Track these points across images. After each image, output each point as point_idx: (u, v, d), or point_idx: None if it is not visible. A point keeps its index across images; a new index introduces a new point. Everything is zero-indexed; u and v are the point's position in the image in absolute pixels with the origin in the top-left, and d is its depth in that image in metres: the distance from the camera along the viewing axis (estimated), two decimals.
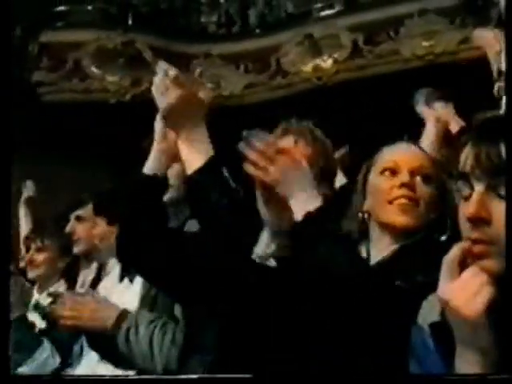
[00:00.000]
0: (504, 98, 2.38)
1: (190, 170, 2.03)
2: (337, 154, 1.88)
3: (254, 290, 1.72)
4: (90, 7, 8.28)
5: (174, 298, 2.29)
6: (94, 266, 3.88)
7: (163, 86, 2.07)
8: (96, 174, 7.61)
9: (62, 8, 7.98)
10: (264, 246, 1.84)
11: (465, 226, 1.20)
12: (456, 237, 1.87)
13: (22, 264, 4.02)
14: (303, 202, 1.69)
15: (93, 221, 3.70)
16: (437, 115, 3.10)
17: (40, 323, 3.31)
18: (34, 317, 3.37)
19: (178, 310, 2.50)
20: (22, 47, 7.28)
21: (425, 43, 7.64)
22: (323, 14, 8.40)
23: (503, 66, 2.47)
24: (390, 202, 1.88)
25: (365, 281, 1.64)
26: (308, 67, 8.08)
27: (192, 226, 2.36)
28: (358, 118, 7.49)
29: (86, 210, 3.83)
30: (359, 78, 7.79)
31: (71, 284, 3.98)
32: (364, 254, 1.84)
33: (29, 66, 7.47)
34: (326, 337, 1.57)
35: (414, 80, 7.38)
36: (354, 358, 1.50)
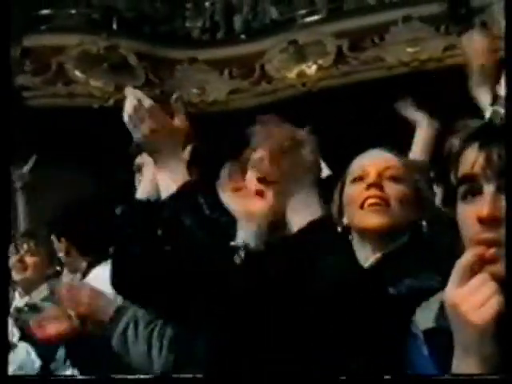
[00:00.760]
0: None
1: (164, 196, 2.05)
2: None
3: (244, 297, 1.71)
4: (73, 11, 8.25)
5: (171, 320, 2.28)
6: (84, 264, 3.86)
7: (137, 117, 2.07)
8: (80, 179, 7.57)
9: (45, 12, 7.95)
10: (239, 238, 1.83)
11: (473, 228, 1.18)
12: (433, 239, 1.87)
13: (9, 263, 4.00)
14: (304, 204, 1.68)
15: None
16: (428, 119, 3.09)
17: (14, 332, 3.27)
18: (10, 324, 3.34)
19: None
20: None
21: (410, 50, 7.67)
22: (308, 20, 8.42)
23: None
24: (362, 207, 1.88)
25: (353, 289, 1.63)
26: (292, 73, 8.09)
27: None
28: (342, 124, 7.49)
29: None
30: (344, 85, 7.80)
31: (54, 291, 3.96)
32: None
33: (12, 70, 7.43)
34: (317, 344, 1.56)
35: (398, 86, 7.41)
36: (346, 365, 1.49)
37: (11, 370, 3.08)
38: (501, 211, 1.16)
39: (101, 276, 3.47)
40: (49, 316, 2.71)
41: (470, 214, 1.20)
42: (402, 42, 7.69)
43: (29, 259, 4.00)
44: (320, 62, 7.98)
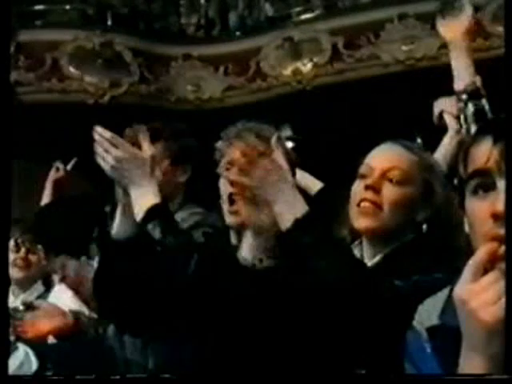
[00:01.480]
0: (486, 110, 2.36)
1: (138, 219, 2.07)
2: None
3: (247, 297, 1.71)
4: (68, 7, 8.21)
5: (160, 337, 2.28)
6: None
7: (102, 150, 2.11)
8: (73, 175, 7.54)
9: (40, 7, 7.92)
10: (250, 250, 1.82)
11: (487, 225, 1.16)
12: (436, 238, 1.86)
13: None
14: (288, 208, 1.67)
15: None
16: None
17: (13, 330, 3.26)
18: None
19: None
20: None
21: (405, 48, 7.67)
22: (303, 17, 8.41)
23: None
24: (358, 205, 1.88)
25: (357, 286, 1.62)
26: (288, 71, 8.07)
27: None
28: (337, 121, 7.49)
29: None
30: (339, 82, 7.79)
31: (48, 287, 3.95)
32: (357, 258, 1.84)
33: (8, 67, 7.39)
34: (318, 342, 1.55)
35: (393, 84, 7.42)
36: (348, 365, 1.49)
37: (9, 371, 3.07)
38: None
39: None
40: (43, 313, 2.70)
41: (482, 209, 1.18)
42: (398, 39, 7.69)
43: (32, 257, 4.00)
44: (315, 59, 7.97)
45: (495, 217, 1.14)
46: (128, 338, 2.48)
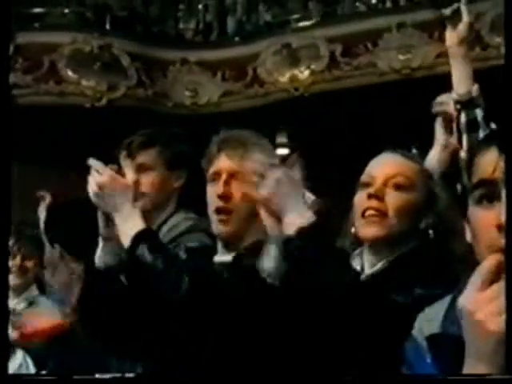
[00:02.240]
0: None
1: (126, 245, 2.08)
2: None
3: (258, 307, 1.71)
4: (66, 10, 8.22)
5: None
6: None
7: (88, 177, 2.13)
8: (69, 178, 7.54)
9: (38, 10, 7.92)
10: (274, 262, 1.80)
11: (492, 235, 1.16)
12: (441, 244, 1.86)
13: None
14: (296, 217, 1.67)
15: None
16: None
17: (11, 332, 3.25)
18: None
19: None
20: None
21: (401, 57, 7.68)
22: (301, 24, 8.43)
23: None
24: (362, 215, 1.88)
25: (356, 295, 1.62)
26: (285, 77, 8.08)
27: None
28: (333, 128, 7.50)
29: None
30: (336, 90, 7.80)
31: (42, 290, 3.95)
32: (358, 268, 1.83)
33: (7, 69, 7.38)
34: (318, 350, 1.55)
35: (390, 93, 7.43)
36: (346, 374, 1.49)
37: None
38: None
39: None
40: (42, 311, 2.69)
41: (487, 220, 1.17)
42: (395, 48, 7.70)
43: (28, 263, 3.99)
44: (313, 66, 7.98)
45: (501, 228, 1.14)
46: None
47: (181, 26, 8.94)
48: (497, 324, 1.06)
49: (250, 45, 8.37)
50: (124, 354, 2.18)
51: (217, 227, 2.08)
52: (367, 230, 1.88)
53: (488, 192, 1.19)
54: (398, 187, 1.89)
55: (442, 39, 7.92)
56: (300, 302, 1.63)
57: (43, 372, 3.07)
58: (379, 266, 1.86)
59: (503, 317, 1.06)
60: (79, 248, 3.44)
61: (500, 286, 1.09)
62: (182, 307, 1.91)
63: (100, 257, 2.18)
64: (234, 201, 2.02)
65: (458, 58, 2.40)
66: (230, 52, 8.42)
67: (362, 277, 1.85)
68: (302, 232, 1.65)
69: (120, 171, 2.19)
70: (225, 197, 2.04)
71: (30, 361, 3.10)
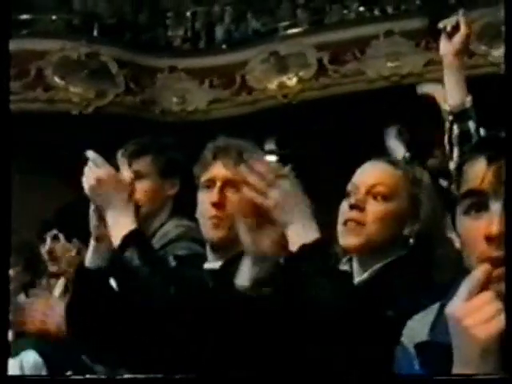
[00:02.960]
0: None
1: (115, 245, 2.06)
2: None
3: (241, 322, 1.69)
4: (54, 17, 8.21)
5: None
6: (62, 280, 3.82)
7: (86, 170, 2.11)
8: (57, 186, 7.52)
9: (26, 16, 7.90)
10: (248, 275, 1.79)
11: (481, 246, 1.17)
12: (424, 251, 1.87)
13: None
14: (300, 232, 1.65)
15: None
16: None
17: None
18: None
19: None
20: None
21: (390, 64, 7.72)
22: (289, 32, 8.45)
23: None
24: (344, 224, 1.89)
25: (347, 304, 1.62)
26: (273, 84, 8.10)
27: None
28: (322, 136, 7.51)
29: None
30: (324, 97, 7.82)
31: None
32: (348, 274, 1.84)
33: None
34: (308, 362, 1.54)
35: (378, 100, 7.46)
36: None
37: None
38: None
39: None
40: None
41: (476, 230, 1.18)
42: (383, 56, 7.74)
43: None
44: (301, 73, 8.00)
45: (489, 239, 1.14)
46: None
47: (169, 33, 8.95)
48: (484, 331, 1.07)
49: (238, 52, 8.38)
50: (108, 359, 2.16)
51: (208, 232, 2.07)
52: (347, 239, 1.89)
53: (476, 202, 1.19)
54: (379, 196, 1.90)
55: (429, 48, 8.03)
56: (287, 314, 1.63)
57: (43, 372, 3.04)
58: (366, 275, 1.86)
59: (491, 324, 1.07)
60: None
61: (488, 295, 1.10)
62: (168, 314, 1.90)
63: (91, 258, 2.17)
64: (227, 209, 2.01)
65: (452, 69, 2.39)
66: (219, 60, 8.43)
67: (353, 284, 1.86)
68: (305, 250, 1.63)
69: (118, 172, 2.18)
70: (219, 205, 2.03)
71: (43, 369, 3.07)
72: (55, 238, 3.73)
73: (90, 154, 2.14)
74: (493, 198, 1.17)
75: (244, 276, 1.76)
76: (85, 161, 2.16)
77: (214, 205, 2.02)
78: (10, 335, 2.98)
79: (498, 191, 1.16)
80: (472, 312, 1.08)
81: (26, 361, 3.13)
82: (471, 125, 2.27)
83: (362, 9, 8.44)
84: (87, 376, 1.58)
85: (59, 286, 3.66)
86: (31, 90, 7.60)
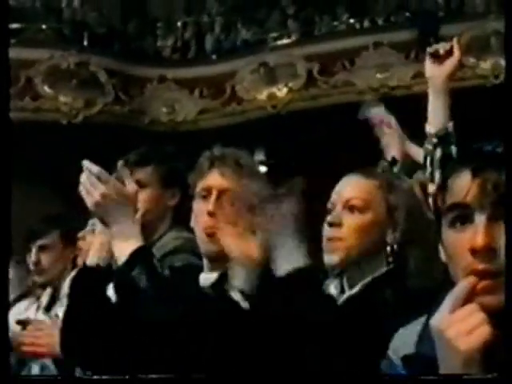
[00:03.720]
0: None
1: (119, 262, 2.03)
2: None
3: (229, 334, 1.69)
4: (43, 26, 8.20)
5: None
6: (49, 290, 3.78)
7: (88, 184, 2.06)
8: (44, 196, 7.50)
9: (15, 25, 7.89)
10: (241, 285, 1.79)
11: (466, 258, 1.17)
12: (403, 264, 1.87)
13: None
14: (288, 257, 1.66)
15: (58, 249, 3.61)
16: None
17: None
18: None
19: None
20: None
21: (379, 76, 7.75)
22: (279, 42, 8.48)
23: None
24: (326, 243, 1.90)
25: (334, 319, 1.62)
26: (263, 95, 8.12)
27: None
28: (311, 147, 7.52)
29: (50, 239, 3.71)
30: (313, 108, 7.84)
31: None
32: (338, 290, 1.84)
33: None
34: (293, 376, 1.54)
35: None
36: None
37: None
38: (494, 241, 1.15)
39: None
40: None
41: (460, 242, 1.18)
42: (372, 67, 7.77)
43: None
44: (290, 84, 8.02)
45: (474, 251, 1.15)
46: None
47: (159, 43, 8.96)
48: (466, 343, 1.08)
49: (227, 63, 8.40)
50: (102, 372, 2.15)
51: (204, 243, 2.06)
52: (329, 258, 1.89)
53: (461, 215, 1.19)
54: (354, 210, 1.90)
55: (418, 59, 8.06)
56: (277, 328, 1.62)
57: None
58: (355, 290, 1.86)
59: (472, 336, 1.08)
60: None
61: (471, 307, 1.10)
62: (168, 327, 1.89)
63: (94, 256, 2.14)
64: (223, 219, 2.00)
65: (440, 92, 2.39)
66: (208, 70, 8.44)
67: (343, 298, 1.85)
68: (291, 277, 1.64)
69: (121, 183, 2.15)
70: (215, 214, 2.01)
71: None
72: (41, 249, 3.69)
73: (94, 168, 2.09)
74: (477, 210, 1.17)
75: (239, 280, 1.76)
76: (78, 169, 2.13)
77: (210, 214, 2.01)
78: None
79: (483, 204, 1.17)
80: (455, 324, 1.09)
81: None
82: (453, 149, 2.28)
83: (351, 20, 8.48)
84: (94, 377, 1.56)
85: (45, 296, 3.63)
86: (19, 100, 7.57)
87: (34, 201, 6.82)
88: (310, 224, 1.76)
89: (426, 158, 2.34)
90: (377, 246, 1.89)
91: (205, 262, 2.09)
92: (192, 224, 2.14)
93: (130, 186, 2.12)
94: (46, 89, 7.79)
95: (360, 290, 1.85)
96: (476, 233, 1.16)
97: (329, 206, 1.95)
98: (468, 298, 1.11)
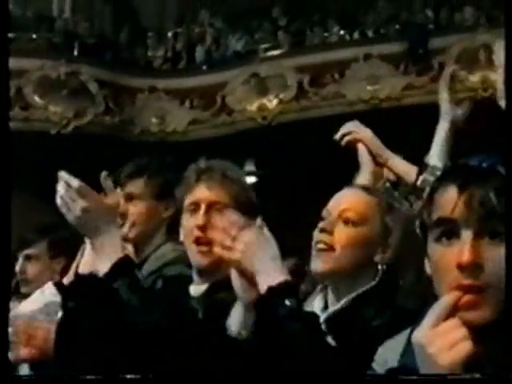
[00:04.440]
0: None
1: (101, 274, 2.03)
2: None
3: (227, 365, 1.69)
4: (34, 35, 8.20)
5: None
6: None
7: (68, 199, 2.05)
8: (34, 205, 7.48)
9: None
10: (238, 322, 1.80)
11: (452, 274, 1.17)
12: (392, 280, 1.87)
13: None
14: (268, 277, 1.67)
15: (44, 259, 3.60)
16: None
17: None
18: None
19: None
20: None
21: (369, 87, 7.77)
22: (270, 54, 8.50)
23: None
24: (315, 247, 1.89)
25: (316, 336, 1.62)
26: (253, 106, 8.12)
27: None
28: (301, 158, 7.53)
29: (37, 249, 3.70)
30: (303, 119, 7.85)
31: None
32: (321, 305, 1.84)
33: None
34: None
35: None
36: None
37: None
38: (480, 257, 1.15)
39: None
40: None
41: (446, 257, 1.18)
42: (362, 79, 7.79)
43: None
44: (281, 95, 8.04)
45: (460, 267, 1.15)
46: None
47: (150, 53, 8.97)
48: (447, 358, 1.08)
49: (218, 73, 8.41)
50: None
51: (196, 259, 2.05)
52: (316, 263, 1.89)
53: (447, 230, 1.19)
54: (348, 222, 1.90)
55: (407, 72, 8.07)
56: (263, 354, 1.63)
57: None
58: (339, 305, 1.86)
59: (453, 351, 1.08)
60: None
61: (453, 322, 1.11)
62: (154, 337, 1.88)
63: (87, 262, 2.13)
64: (212, 232, 2.00)
65: (451, 132, 2.40)
66: (199, 80, 8.45)
67: (327, 313, 1.85)
68: (272, 293, 1.64)
69: (104, 194, 2.14)
70: (205, 227, 2.01)
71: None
72: (27, 258, 3.67)
73: (73, 181, 2.08)
74: (463, 226, 1.17)
75: (236, 321, 1.76)
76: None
77: (200, 228, 2.01)
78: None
79: (469, 220, 1.17)
80: (436, 338, 1.09)
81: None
82: None
83: (342, 32, 8.52)
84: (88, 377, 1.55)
85: None
86: (10, 109, 7.56)
87: (23, 210, 6.80)
88: (298, 233, 1.77)
89: (423, 188, 2.34)
90: (366, 262, 1.89)
91: (195, 274, 2.09)
92: (182, 238, 2.14)
93: (111, 198, 2.12)
94: (36, 98, 7.78)
95: (345, 305, 1.85)
96: (462, 248, 1.16)
97: (324, 213, 1.95)
98: (450, 313, 1.12)
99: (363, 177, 2.54)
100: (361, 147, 2.56)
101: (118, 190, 2.19)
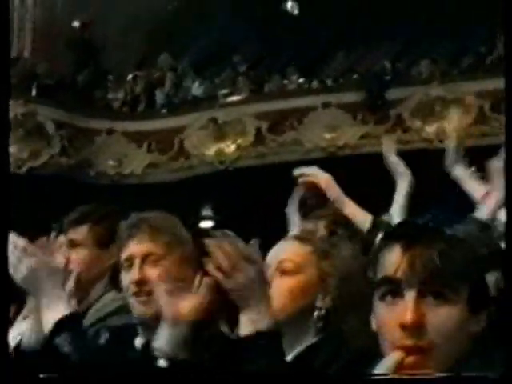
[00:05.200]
0: None
1: (45, 331, 2.01)
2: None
3: None
4: None
5: None
6: None
7: (15, 258, 2.04)
8: None
9: None
10: (165, 339, 1.78)
11: (395, 333, 1.17)
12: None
13: None
14: (254, 318, 1.67)
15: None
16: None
17: None
18: None
19: None
20: None
21: (327, 135, 7.84)
22: (229, 99, 8.54)
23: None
24: None
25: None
26: (211, 151, 8.14)
27: None
28: (258, 203, 7.54)
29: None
30: (261, 165, 7.88)
31: None
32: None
33: None
34: None
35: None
36: None
37: None
38: (423, 318, 1.15)
39: None
40: None
41: (390, 317, 1.18)
42: (320, 127, 7.87)
43: None
44: (239, 141, 8.07)
45: (403, 327, 1.15)
46: None
47: (109, 95, 8.95)
48: None
49: (177, 117, 8.43)
50: None
51: (137, 309, 2.03)
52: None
53: (391, 289, 1.19)
54: (284, 272, 1.94)
55: (365, 121, 8.17)
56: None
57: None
58: (290, 357, 1.86)
59: None
60: None
61: None
62: None
63: (28, 337, 2.09)
64: (150, 284, 1.99)
65: (408, 196, 2.47)
66: (157, 124, 8.45)
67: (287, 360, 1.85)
68: (258, 337, 1.64)
69: (50, 245, 2.10)
70: (141, 281, 2.00)
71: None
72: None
73: (19, 241, 2.06)
74: (407, 286, 1.17)
75: (162, 339, 1.75)
76: (21, 221, 2.08)
77: (136, 282, 1.99)
78: None
79: (412, 280, 1.17)
80: None
81: None
82: None
83: (301, 80, 8.60)
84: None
85: None
86: None
87: None
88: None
89: (372, 242, 2.37)
90: (307, 310, 1.90)
91: (139, 327, 2.07)
92: (124, 292, 2.12)
93: (59, 258, 2.10)
94: None
95: (295, 358, 1.85)
96: (405, 308, 1.16)
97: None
98: (395, 373, 1.11)
99: (305, 225, 2.56)
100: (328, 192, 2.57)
101: (62, 237, 2.17)
